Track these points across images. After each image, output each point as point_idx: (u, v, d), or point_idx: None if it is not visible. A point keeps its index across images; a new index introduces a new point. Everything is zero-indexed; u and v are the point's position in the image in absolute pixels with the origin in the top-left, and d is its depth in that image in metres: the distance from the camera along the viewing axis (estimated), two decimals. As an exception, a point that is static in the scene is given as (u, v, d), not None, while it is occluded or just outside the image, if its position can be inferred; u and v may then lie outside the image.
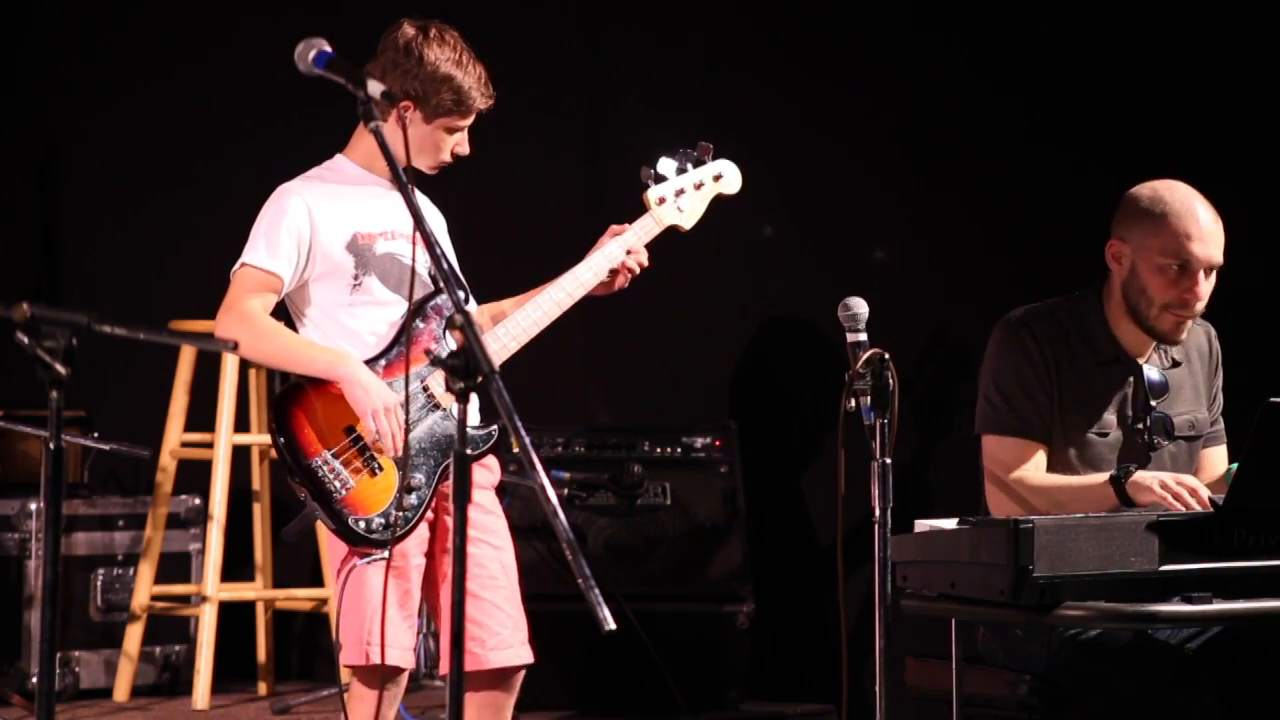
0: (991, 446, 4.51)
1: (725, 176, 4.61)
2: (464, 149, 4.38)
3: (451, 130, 4.34)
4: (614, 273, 4.43)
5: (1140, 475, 4.31)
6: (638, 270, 4.45)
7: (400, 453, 4.15)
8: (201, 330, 5.95)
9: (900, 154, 6.70)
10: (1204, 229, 4.44)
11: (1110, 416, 4.52)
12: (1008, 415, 4.48)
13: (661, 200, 4.51)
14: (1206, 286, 4.47)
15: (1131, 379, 4.54)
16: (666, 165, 4.55)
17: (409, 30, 4.32)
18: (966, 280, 6.60)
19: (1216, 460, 4.64)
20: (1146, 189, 4.52)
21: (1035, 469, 4.45)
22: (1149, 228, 4.46)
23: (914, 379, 6.37)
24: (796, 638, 6.66)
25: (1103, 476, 4.37)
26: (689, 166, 4.56)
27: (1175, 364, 4.59)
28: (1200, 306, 4.48)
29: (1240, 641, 4.28)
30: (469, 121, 4.36)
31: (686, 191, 4.55)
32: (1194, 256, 4.43)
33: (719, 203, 4.59)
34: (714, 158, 4.58)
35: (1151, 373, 4.54)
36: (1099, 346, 4.54)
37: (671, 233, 4.51)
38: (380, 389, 4.17)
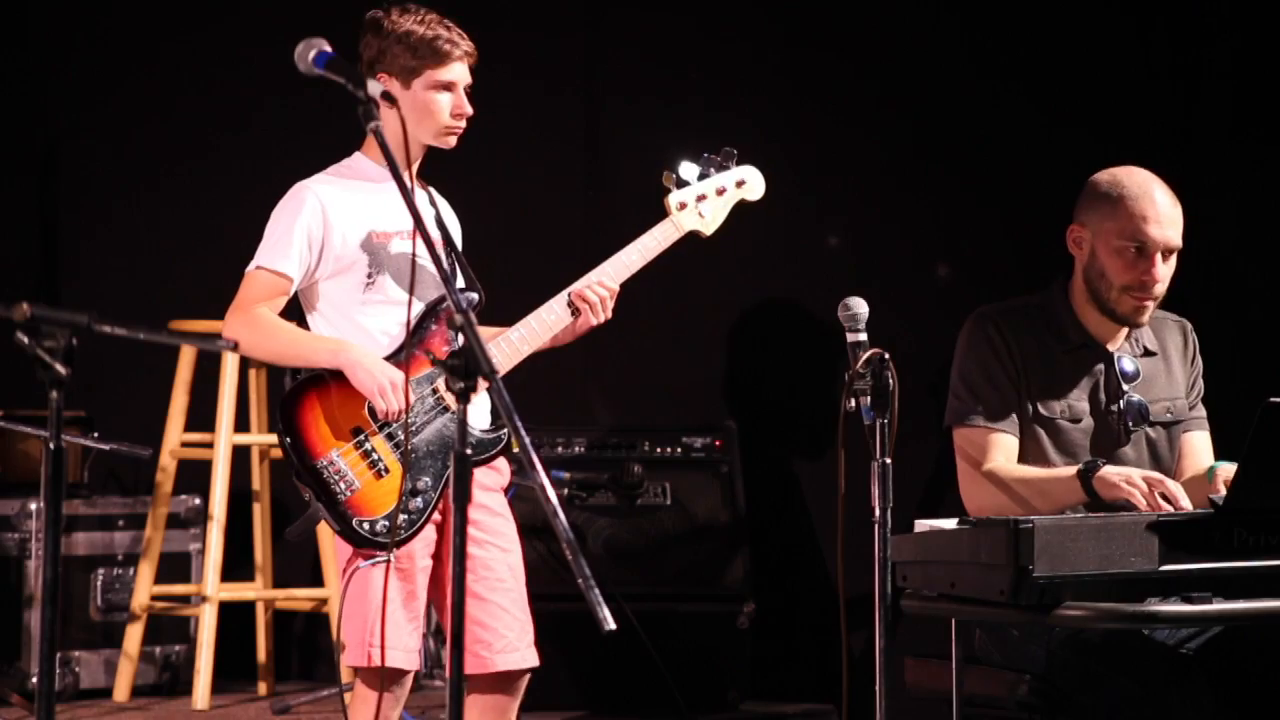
0: (960, 438, 4.54)
1: (749, 182, 4.55)
2: (465, 108, 4.31)
3: (437, 87, 4.28)
4: (577, 311, 4.34)
5: (1107, 470, 4.31)
6: (598, 302, 4.33)
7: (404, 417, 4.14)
8: (201, 330, 5.97)
9: (907, 150, 6.69)
10: (1160, 211, 4.48)
11: (1082, 404, 4.55)
12: (973, 406, 4.51)
13: (682, 205, 4.45)
14: (1164, 269, 4.50)
15: (1102, 365, 4.57)
16: (689, 170, 4.47)
17: (375, 13, 4.32)
18: (970, 280, 6.60)
19: (1199, 445, 4.65)
20: (1106, 174, 4.58)
21: (1006, 460, 4.48)
22: (1106, 210, 4.51)
23: (919, 377, 6.35)
24: (796, 638, 6.66)
25: (1072, 469, 4.38)
26: (712, 171, 4.50)
27: (1149, 353, 4.62)
28: (1159, 289, 4.51)
29: (1238, 642, 4.29)
30: (452, 75, 4.29)
31: (708, 197, 4.49)
32: (1150, 239, 4.46)
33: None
34: (737, 163, 4.53)
35: (1124, 359, 4.57)
36: (1067, 334, 4.57)
37: (691, 238, 4.46)
38: (384, 368, 4.16)
